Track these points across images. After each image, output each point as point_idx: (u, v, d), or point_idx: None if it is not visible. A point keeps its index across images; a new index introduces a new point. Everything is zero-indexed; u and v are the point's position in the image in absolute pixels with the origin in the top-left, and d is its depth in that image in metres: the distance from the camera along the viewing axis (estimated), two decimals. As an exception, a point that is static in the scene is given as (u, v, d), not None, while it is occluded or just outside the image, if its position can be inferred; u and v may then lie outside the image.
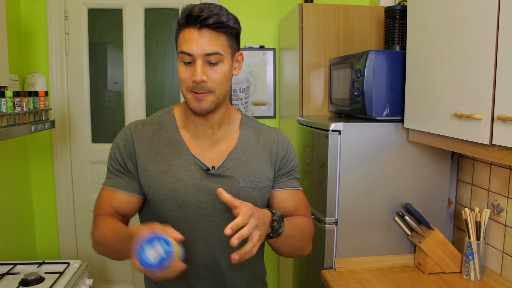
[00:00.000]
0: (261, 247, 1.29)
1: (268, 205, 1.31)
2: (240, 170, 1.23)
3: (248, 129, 1.30)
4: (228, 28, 1.13)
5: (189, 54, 1.11)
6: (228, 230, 0.95)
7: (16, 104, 1.77)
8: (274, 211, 1.13)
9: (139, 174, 1.22)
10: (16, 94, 1.77)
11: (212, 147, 1.25)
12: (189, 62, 1.13)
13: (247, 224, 0.98)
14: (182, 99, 2.92)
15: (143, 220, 1.31)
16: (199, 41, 1.10)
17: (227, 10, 1.14)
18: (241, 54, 1.23)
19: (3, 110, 1.67)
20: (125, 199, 1.23)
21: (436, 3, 1.51)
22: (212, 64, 1.12)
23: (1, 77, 1.91)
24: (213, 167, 1.22)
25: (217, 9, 1.12)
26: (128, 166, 1.22)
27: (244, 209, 1.00)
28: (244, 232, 0.97)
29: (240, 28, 1.19)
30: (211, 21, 1.09)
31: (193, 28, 1.10)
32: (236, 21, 1.17)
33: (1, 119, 1.65)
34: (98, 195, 1.27)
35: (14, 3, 2.66)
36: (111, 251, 1.18)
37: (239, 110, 1.36)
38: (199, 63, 1.11)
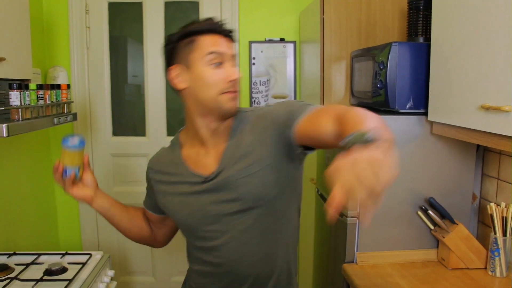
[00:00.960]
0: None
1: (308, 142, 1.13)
2: (233, 166, 1.17)
3: (241, 123, 1.23)
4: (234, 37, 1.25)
5: (221, 53, 1.16)
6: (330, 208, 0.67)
7: (40, 97, 1.79)
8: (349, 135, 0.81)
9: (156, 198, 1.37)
10: (40, 87, 1.79)
11: (205, 155, 1.25)
12: (219, 64, 1.16)
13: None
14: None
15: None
16: (226, 44, 1.19)
17: None
18: None
19: (27, 102, 1.69)
20: (151, 215, 1.47)
21: (463, -7, 1.48)
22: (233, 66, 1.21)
23: (24, 71, 1.94)
24: (207, 178, 1.21)
25: (226, 22, 1.24)
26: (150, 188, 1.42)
27: (339, 161, 0.71)
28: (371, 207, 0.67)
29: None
30: (229, 32, 1.21)
31: (218, 35, 1.18)
32: None
33: (25, 111, 1.67)
34: None
35: (36, -3, 2.70)
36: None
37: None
38: (229, 63, 1.18)
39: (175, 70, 1.21)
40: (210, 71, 1.15)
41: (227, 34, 1.20)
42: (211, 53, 1.15)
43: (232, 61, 1.20)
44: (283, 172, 1.19)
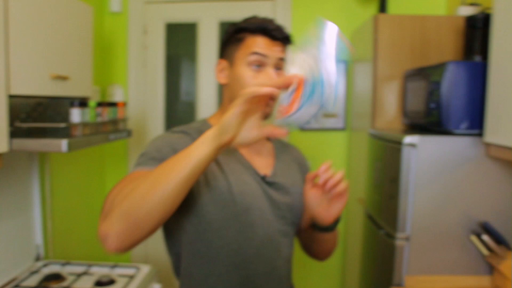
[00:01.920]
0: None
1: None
2: (287, 180, 1.23)
3: (275, 141, 1.33)
4: (290, 42, 1.18)
5: (264, 55, 1.12)
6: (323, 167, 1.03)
7: (98, 114, 1.87)
8: None
9: None
10: (98, 104, 1.88)
11: (258, 156, 1.23)
12: (258, 66, 1.13)
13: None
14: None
15: (169, 233, 1.18)
16: (272, 47, 1.14)
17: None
18: None
19: (87, 119, 1.77)
20: None
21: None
22: (278, 69, 1.15)
23: (85, 89, 2.04)
24: (265, 175, 1.19)
25: (281, 26, 1.17)
26: None
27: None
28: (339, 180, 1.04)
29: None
30: (282, 35, 1.15)
31: (266, 37, 1.14)
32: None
33: (84, 127, 1.76)
34: (119, 181, 1.03)
35: (99, 19, 2.84)
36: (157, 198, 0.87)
37: None
38: (270, 68, 1.14)
39: (221, 64, 1.20)
40: (249, 73, 1.13)
41: (279, 38, 1.15)
42: (254, 53, 1.12)
43: (277, 66, 1.15)
44: None
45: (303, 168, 1.33)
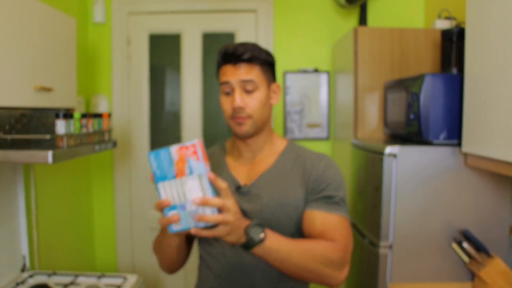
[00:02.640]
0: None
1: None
2: (268, 189, 1.30)
3: (288, 154, 1.37)
4: (260, 59, 1.29)
5: (227, 83, 1.27)
6: (197, 200, 1.02)
7: (83, 125, 1.88)
8: (254, 220, 1.14)
9: None
10: (83, 115, 1.89)
11: (250, 169, 1.36)
12: (228, 93, 1.28)
13: (222, 211, 1.03)
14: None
15: None
16: (235, 72, 1.27)
17: (259, 46, 1.31)
18: (278, 86, 1.38)
19: (72, 130, 1.78)
20: None
21: (497, 24, 1.48)
22: (248, 92, 1.27)
23: (69, 100, 2.04)
24: (244, 185, 1.32)
25: (250, 45, 1.29)
26: None
27: (229, 200, 1.05)
28: (210, 218, 1.03)
29: (273, 61, 1.35)
30: (245, 56, 1.26)
31: (228, 64, 1.28)
32: (269, 54, 1.34)
33: (70, 139, 1.76)
34: None
35: (82, 30, 2.85)
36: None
37: (289, 139, 1.44)
38: (237, 91, 1.27)
39: (220, 92, 1.35)
40: (223, 99, 1.31)
41: (242, 60, 1.26)
42: (221, 83, 1.30)
43: (245, 88, 1.27)
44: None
45: (305, 176, 1.31)
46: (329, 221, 1.25)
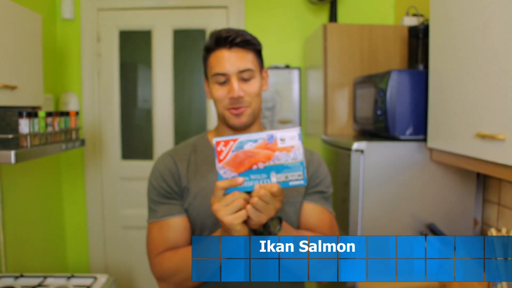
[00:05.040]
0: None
1: None
2: None
3: None
4: (254, 45, 1.23)
5: (223, 74, 1.19)
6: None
7: (48, 124, 1.85)
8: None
9: (183, 194, 1.25)
10: (49, 114, 1.85)
11: None
12: (223, 82, 1.20)
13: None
14: (209, 118, 2.99)
15: None
16: (231, 60, 1.19)
17: (248, 32, 1.24)
18: (266, 71, 1.31)
19: (36, 129, 1.75)
20: (180, 224, 1.23)
21: (459, 22, 1.51)
22: (245, 80, 1.20)
23: (35, 98, 2.00)
24: None
25: (241, 31, 1.22)
26: (174, 189, 1.25)
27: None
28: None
29: (261, 47, 1.27)
30: (239, 39, 1.19)
31: (223, 49, 1.19)
32: (258, 40, 1.26)
33: (34, 138, 1.73)
34: (148, 234, 1.26)
35: (50, 26, 2.79)
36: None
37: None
38: (234, 80, 1.19)
39: (205, 83, 1.29)
40: (216, 88, 1.21)
41: (236, 44, 1.19)
42: (215, 74, 1.20)
43: (241, 76, 1.20)
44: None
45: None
46: (324, 217, 1.29)
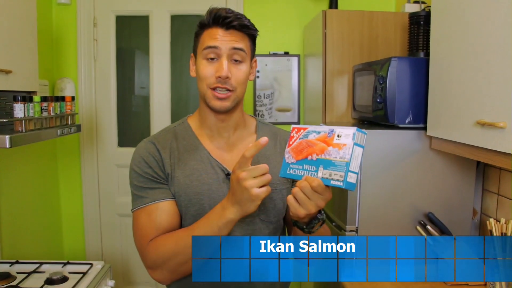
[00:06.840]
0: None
1: None
2: None
3: (264, 133, 1.29)
4: (251, 30, 1.20)
5: (215, 47, 1.15)
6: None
7: (44, 108, 1.82)
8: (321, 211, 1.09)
9: (168, 182, 1.21)
10: (44, 99, 1.83)
11: (230, 150, 1.26)
12: (213, 59, 1.17)
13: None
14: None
15: None
16: (226, 38, 1.16)
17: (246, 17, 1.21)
18: (256, 61, 1.28)
19: (31, 114, 1.72)
20: (169, 208, 1.19)
21: (460, 9, 1.49)
22: (236, 62, 1.17)
23: (31, 83, 1.98)
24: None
25: (240, 14, 1.20)
26: (159, 174, 1.20)
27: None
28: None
29: (257, 34, 1.24)
30: (236, 23, 1.16)
31: (220, 28, 1.17)
32: (255, 27, 1.23)
33: (29, 123, 1.71)
34: (135, 222, 1.20)
35: (46, 11, 2.75)
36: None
37: (253, 117, 1.38)
38: (224, 59, 1.16)
39: (192, 59, 1.26)
40: (203, 64, 1.18)
41: (234, 26, 1.17)
42: (206, 48, 1.16)
43: (232, 57, 1.17)
44: None
45: None
46: None
